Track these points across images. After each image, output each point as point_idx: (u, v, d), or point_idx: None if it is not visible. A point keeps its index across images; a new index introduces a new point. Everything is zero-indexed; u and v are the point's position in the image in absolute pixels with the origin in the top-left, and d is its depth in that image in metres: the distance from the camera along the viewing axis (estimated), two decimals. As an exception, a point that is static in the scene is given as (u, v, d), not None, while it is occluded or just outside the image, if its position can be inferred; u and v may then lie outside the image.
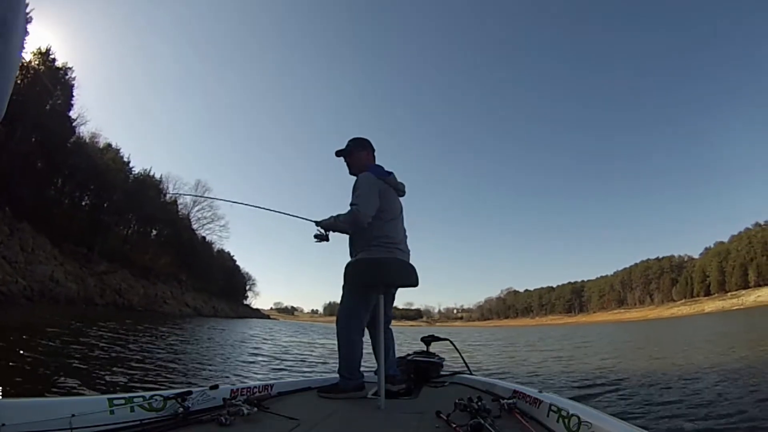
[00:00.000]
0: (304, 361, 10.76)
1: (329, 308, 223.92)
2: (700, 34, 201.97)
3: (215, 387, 2.49)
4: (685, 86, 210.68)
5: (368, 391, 2.97)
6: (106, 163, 47.93)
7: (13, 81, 0.69)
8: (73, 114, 42.32)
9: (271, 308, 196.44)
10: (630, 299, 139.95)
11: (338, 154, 3.35)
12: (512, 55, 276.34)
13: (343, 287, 3.13)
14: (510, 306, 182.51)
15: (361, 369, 3.05)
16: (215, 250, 77.71)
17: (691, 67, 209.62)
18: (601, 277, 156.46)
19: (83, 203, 47.10)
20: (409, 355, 3.89)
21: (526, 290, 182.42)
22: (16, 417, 1.64)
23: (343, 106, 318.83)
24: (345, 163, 3.36)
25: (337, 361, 3.04)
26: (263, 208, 3.89)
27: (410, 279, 3.03)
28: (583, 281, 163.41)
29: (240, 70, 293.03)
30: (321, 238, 3.15)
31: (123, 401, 2.02)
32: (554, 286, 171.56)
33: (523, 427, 2.00)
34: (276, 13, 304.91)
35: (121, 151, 52.96)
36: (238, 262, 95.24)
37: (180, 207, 65.60)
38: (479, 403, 2.16)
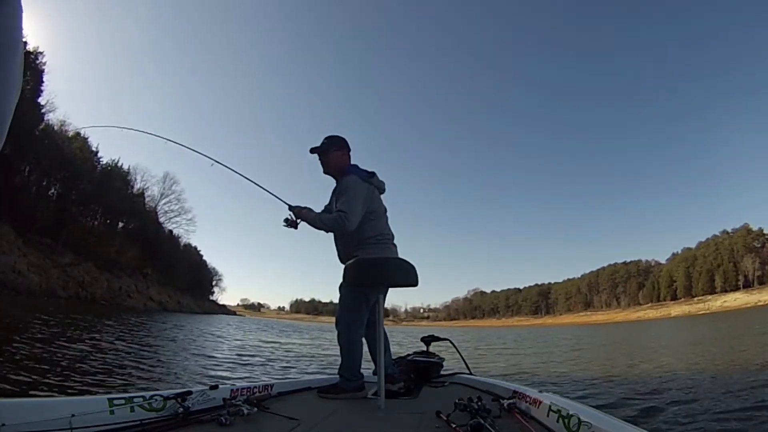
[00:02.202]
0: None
1: (296, 305, 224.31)
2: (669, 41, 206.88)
3: (215, 387, 2.50)
4: (659, 95, 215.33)
5: (368, 391, 2.99)
6: (73, 152, 46.39)
7: (15, 104, 0.63)
8: (41, 100, 40.87)
9: (238, 304, 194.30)
10: (597, 302, 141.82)
11: (313, 151, 3.22)
12: (495, 60, 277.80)
13: (342, 287, 3.11)
14: (477, 306, 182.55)
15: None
16: (182, 244, 76.55)
17: (663, 76, 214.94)
18: (568, 279, 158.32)
19: (50, 192, 45.49)
20: (409, 355, 3.92)
21: (493, 291, 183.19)
22: (16, 417, 1.64)
23: (318, 105, 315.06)
24: (319, 161, 3.25)
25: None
26: (233, 170, 3.60)
27: (411, 279, 2.97)
28: (549, 283, 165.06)
29: (216, 62, 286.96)
30: (290, 224, 3.09)
31: (123, 401, 2.02)
32: (521, 287, 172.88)
33: (523, 427, 2.02)
34: (257, 4, 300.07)
35: (89, 140, 51.29)
36: (204, 257, 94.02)
37: (147, 200, 64.42)
38: (479, 403, 2.18)
